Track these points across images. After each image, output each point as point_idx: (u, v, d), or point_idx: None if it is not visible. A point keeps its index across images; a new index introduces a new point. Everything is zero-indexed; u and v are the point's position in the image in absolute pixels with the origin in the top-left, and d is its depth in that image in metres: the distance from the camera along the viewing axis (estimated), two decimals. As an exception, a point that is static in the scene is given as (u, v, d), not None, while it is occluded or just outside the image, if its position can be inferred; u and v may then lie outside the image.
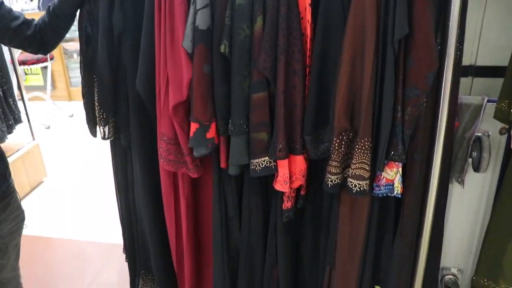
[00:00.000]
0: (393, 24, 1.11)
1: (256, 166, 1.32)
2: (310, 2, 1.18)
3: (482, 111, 1.67)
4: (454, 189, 1.82)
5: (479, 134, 1.69)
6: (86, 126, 1.60)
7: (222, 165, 1.41)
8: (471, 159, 1.72)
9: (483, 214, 1.84)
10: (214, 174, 1.49)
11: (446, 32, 1.20)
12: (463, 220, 1.88)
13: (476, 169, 1.70)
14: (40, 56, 4.61)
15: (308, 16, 1.20)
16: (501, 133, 1.71)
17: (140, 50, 1.38)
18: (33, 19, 1.50)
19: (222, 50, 1.26)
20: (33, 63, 4.55)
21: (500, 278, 1.69)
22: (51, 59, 4.74)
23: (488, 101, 1.64)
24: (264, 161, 1.31)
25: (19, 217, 1.45)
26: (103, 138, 1.58)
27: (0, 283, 1.45)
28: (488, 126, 1.68)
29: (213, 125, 1.35)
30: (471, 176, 1.77)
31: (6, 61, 3.23)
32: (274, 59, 1.21)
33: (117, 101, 1.52)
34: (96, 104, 1.51)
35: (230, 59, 1.27)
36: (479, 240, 1.87)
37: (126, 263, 1.94)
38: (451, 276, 1.98)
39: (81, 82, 1.56)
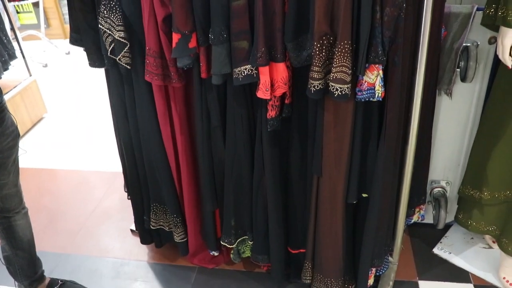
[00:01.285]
0: None
1: (238, 74, 1.34)
2: None
3: (471, 20, 1.65)
4: (443, 101, 1.83)
5: (468, 44, 1.68)
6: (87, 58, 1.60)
7: (203, 75, 1.43)
8: (458, 69, 1.72)
9: (471, 126, 1.87)
10: (196, 85, 1.50)
11: None
12: (452, 133, 1.90)
13: (463, 78, 1.70)
14: (30, -9, 4.52)
15: None
16: (490, 42, 1.69)
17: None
18: None
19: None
20: (22, -1, 4.47)
21: (483, 186, 1.74)
22: (42, -6, 4.65)
23: (478, 9, 1.62)
24: (246, 69, 1.33)
25: (14, 132, 1.51)
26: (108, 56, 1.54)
27: (4, 198, 1.54)
28: (477, 36, 1.67)
29: (194, 35, 1.35)
30: (460, 87, 1.78)
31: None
32: (252, -37, 1.19)
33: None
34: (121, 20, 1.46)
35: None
36: (467, 152, 1.90)
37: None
38: (439, 189, 2.04)
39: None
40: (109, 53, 1.49)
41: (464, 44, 1.68)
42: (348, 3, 1.17)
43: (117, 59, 1.48)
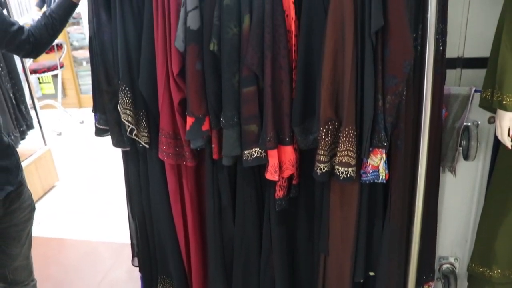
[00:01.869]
0: (369, 17, 1.18)
1: (248, 156, 1.40)
2: (293, 0, 1.26)
3: (470, 101, 1.72)
4: (447, 178, 1.87)
5: (468, 123, 1.74)
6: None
7: (214, 156, 1.49)
8: (461, 148, 1.78)
9: (476, 202, 1.89)
10: (208, 165, 1.57)
11: (425, 24, 1.27)
12: (457, 209, 1.92)
13: (466, 157, 1.75)
14: (50, 64, 4.75)
15: (292, 13, 1.27)
16: (489, 122, 1.76)
17: (142, 53, 1.47)
18: (24, 25, 1.65)
19: (211, 48, 1.34)
20: (44, 72, 4.69)
21: (493, 263, 1.74)
22: (61, 67, 4.88)
23: (476, 91, 1.70)
24: (255, 151, 1.39)
25: (30, 206, 1.57)
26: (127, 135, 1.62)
27: (14, 270, 1.57)
28: (477, 116, 1.74)
29: (207, 118, 1.43)
30: (463, 165, 1.82)
31: (18, 71, 3.36)
32: (261, 55, 1.29)
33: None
34: (129, 104, 1.56)
35: (219, 57, 1.35)
36: (474, 228, 1.91)
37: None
38: (448, 265, 2.02)
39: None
40: (127, 132, 1.57)
41: (464, 124, 1.74)
42: (352, 91, 1.25)
43: (134, 134, 1.57)
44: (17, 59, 3.34)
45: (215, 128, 1.45)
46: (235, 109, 1.38)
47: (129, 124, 1.53)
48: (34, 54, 1.72)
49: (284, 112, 1.35)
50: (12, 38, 1.58)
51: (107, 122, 1.69)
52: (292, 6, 1.27)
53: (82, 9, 2.15)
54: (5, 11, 2.99)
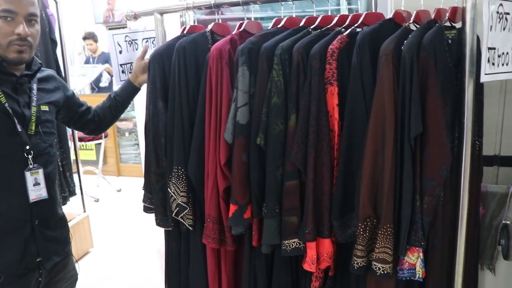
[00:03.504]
0: (409, 122, 1.26)
1: (287, 246, 1.44)
2: (337, 103, 1.36)
3: (508, 200, 1.74)
4: (486, 276, 1.85)
5: (507, 221, 1.75)
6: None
7: (254, 243, 1.54)
8: (500, 246, 1.77)
9: (517, 304, 1.85)
10: (246, 250, 1.62)
11: (462, 127, 1.34)
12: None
13: (506, 257, 1.74)
14: (97, 133, 5.02)
15: (336, 115, 1.37)
16: (529, 221, 1.76)
17: (193, 140, 1.59)
18: (91, 106, 1.83)
19: (258, 142, 1.43)
20: (89, 140, 4.95)
21: None
22: (105, 137, 5.14)
23: (513, 189, 1.72)
24: (294, 242, 1.44)
25: (73, 277, 1.65)
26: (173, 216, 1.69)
27: None
28: (516, 214, 1.75)
29: (249, 207, 1.50)
30: (503, 264, 1.80)
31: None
32: (305, 151, 1.37)
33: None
34: (185, 187, 1.64)
35: (265, 150, 1.45)
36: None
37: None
38: None
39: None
40: (173, 214, 1.65)
41: (503, 222, 1.75)
42: (391, 192, 1.30)
43: (179, 217, 1.64)
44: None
45: (256, 216, 1.51)
46: (277, 200, 1.45)
47: (185, 206, 1.62)
48: (97, 132, 1.88)
49: (324, 206, 1.41)
50: (80, 118, 1.75)
51: (152, 201, 1.78)
52: (336, 108, 1.37)
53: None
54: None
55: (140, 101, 2.28)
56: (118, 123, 5.52)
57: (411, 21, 1.39)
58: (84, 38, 5.71)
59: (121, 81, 1.96)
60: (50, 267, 1.51)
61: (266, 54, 1.42)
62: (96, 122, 1.81)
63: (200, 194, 1.63)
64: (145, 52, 1.86)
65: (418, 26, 1.42)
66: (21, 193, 1.42)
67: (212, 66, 1.51)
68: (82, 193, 3.66)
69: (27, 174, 1.43)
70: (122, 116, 6.19)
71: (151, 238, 3.58)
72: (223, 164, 1.50)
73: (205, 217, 1.61)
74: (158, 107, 1.68)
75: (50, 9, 3.18)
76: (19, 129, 1.41)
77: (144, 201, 1.84)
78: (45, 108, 1.52)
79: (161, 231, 2.36)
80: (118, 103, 1.85)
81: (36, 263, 1.47)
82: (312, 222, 1.40)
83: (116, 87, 1.94)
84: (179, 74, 1.59)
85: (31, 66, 1.49)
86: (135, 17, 1.95)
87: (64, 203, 3.46)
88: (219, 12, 2.15)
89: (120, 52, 1.95)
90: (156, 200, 1.74)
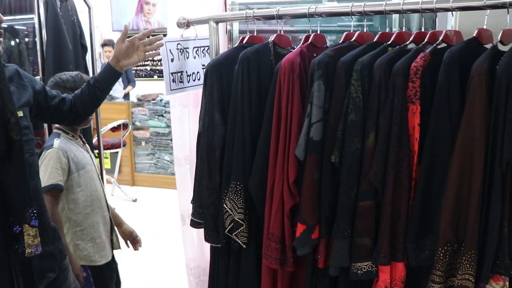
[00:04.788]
0: (501, 146, 1.21)
1: (358, 269, 1.38)
2: (419, 122, 1.31)
3: None
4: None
5: None
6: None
7: (320, 265, 1.47)
8: None
9: None
10: (308, 272, 1.55)
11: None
12: None
13: None
14: (114, 141, 4.96)
15: (417, 134, 1.31)
16: None
17: (256, 155, 1.53)
18: (66, 95, 1.73)
19: (333, 160, 1.38)
20: (107, 148, 4.89)
21: None
22: (124, 145, 5.07)
23: None
24: (366, 265, 1.37)
25: None
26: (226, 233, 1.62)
27: None
28: None
29: (317, 227, 1.44)
30: None
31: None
32: (384, 171, 1.32)
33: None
34: (242, 203, 1.58)
35: (339, 169, 1.39)
36: None
37: None
38: None
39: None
40: (227, 230, 1.59)
41: None
42: (477, 217, 1.25)
43: (233, 234, 1.58)
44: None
45: (324, 237, 1.45)
46: (349, 220, 1.39)
47: (242, 223, 1.55)
48: (77, 122, 1.81)
49: (399, 228, 1.35)
50: (56, 111, 1.66)
51: (202, 216, 1.72)
52: (417, 128, 1.31)
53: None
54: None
55: (176, 112, 2.23)
56: (135, 132, 5.46)
57: (498, 40, 1.35)
58: (103, 45, 5.68)
59: (171, 90, 1.90)
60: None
61: (344, 69, 1.38)
62: (75, 113, 1.72)
63: (260, 211, 1.57)
64: (125, 35, 1.76)
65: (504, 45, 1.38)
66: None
67: (283, 79, 1.46)
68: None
69: None
70: (139, 125, 6.13)
71: (173, 251, 3.51)
72: (292, 182, 1.44)
73: (264, 235, 1.55)
74: (214, 119, 1.62)
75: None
76: None
77: (193, 215, 1.77)
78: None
79: (185, 244, 2.30)
80: (98, 90, 1.74)
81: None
82: (387, 246, 1.34)
83: (166, 96, 1.88)
84: (242, 85, 1.55)
85: None
86: (188, 24, 1.91)
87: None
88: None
89: (172, 60, 1.89)
90: (206, 215, 1.68)
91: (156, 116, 5.47)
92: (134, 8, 6.32)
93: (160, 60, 5.66)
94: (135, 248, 2.26)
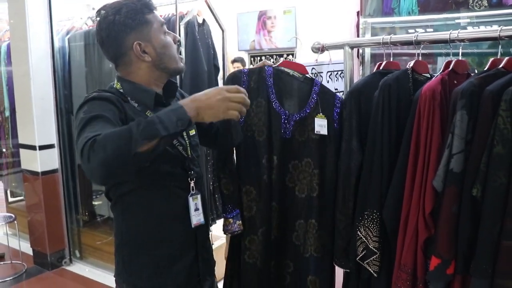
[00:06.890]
0: None
1: (500, 311, 1.29)
2: None
3: None
4: None
5: None
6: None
7: (457, 303, 1.40)
8: None
9: None
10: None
11: None
12: None
13: None
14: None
15: None
16: None
17: (391, 183, 1.51)
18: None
19: (474, 194, 1.31)
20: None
21: None
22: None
23: None
24: (510, 309, 1.28)
25: None
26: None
27: None
28: None
29: (453, 262, 1.37)
30: None
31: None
32: (535, 210, 1.22)
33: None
34: (378, 231, 1.57)
35: (481, 203, 1.32)
36: None
37: None
38: None
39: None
40: (358, 258, 1.58)
41: None
42: None
43: (365, 262, 1.56)
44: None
45: (459, 273, 1.38)
46: (490, 259, 1.30)
47: (375, 251, 1.54)
48: (227, 147, 1.69)
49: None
50: (205, 133, 1.62)
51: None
52: None
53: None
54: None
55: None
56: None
57: None
58: (234, 61, 5.98)
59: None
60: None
61: (491, 99, 1.31)
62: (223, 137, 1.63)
63: (393, 241, 1.54)
64: None
65: None
66: (183, 219, 1.43)
67: (423, 108, 1.43)
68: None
69: (190, 199, 1.43)
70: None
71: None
72: (428, 213, 1.40)
73: (395, 266, 1.52)
74: (352, 146, 1.63)
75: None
76: (185, 155, 1.42)
77: None
78: (192, 132, 1.50)
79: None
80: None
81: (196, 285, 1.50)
82: (536, 291, 1.24)
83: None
84: (382, 113, 1.54)
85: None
86: (322, 49, 1.95)
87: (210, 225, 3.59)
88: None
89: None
90: (338, 240, 1.68)
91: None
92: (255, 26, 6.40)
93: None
94: None
